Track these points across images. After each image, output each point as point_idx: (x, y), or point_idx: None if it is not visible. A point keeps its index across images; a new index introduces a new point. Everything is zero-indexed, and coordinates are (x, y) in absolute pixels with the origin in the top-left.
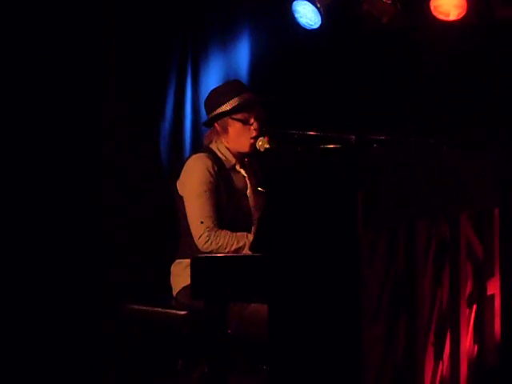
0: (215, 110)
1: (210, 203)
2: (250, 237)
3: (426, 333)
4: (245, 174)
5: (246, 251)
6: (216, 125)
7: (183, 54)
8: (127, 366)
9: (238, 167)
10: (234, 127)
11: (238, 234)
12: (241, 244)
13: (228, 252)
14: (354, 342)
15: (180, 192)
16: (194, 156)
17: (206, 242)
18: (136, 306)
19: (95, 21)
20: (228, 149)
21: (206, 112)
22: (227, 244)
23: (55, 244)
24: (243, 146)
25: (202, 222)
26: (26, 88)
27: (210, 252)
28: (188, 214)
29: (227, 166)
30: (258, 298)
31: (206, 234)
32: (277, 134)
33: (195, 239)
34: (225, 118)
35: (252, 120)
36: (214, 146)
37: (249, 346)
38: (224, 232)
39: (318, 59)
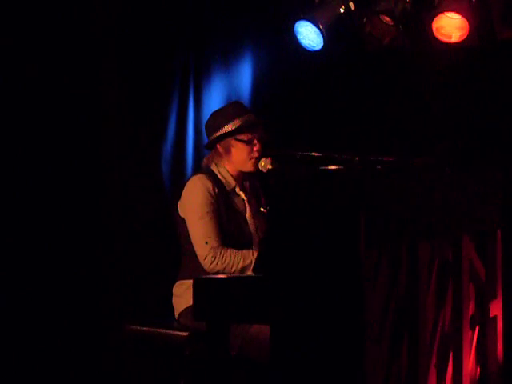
0: (217, 131)
1: (213, 223)
2: (256, 254)
3: (428, 354)
4: (244, 197)
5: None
6: (218, 146)
7: (185, 75)
8: None
9: (237, 190)
10: (237, 148)
11: (244, 251)
12: (247, 262)
13: (234, 271)
14: (356, 363)
15: (181, 213)
16: (195, 177)
17: (212, 263)
18: (138, 327)
19: (96, 40)
20: (228, 171)
21: (207, 134)
22: (233, 263)
23: (55, 264)
24: (246, 166)
25: (206, 243)
26: (24, 103)
27: (217, 272)
28: (192, 236)
29: (227, 188)
30: (260, 320)
31: (211, 254)
32: (280, 155)
33: (201, 260)
34: (228, 139)
35: (255, 141)
36: (214, 168)
37: (251, 368)
38: (230, 251)
39: (320, 80)
